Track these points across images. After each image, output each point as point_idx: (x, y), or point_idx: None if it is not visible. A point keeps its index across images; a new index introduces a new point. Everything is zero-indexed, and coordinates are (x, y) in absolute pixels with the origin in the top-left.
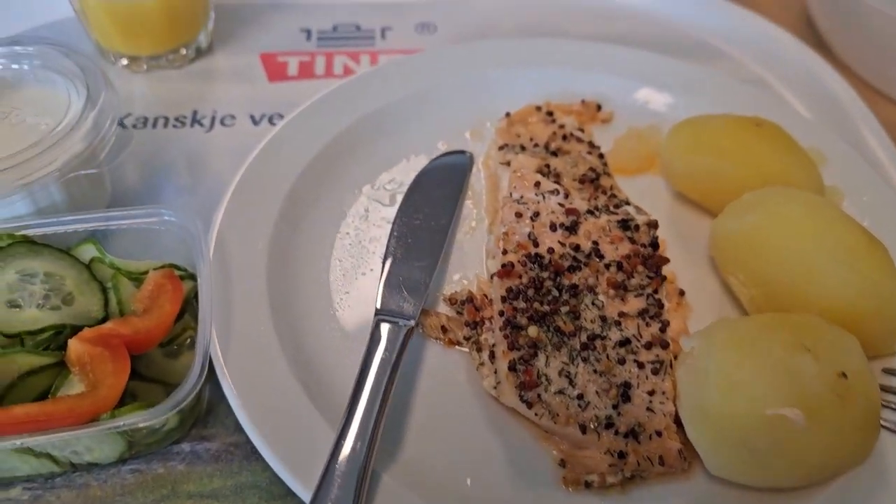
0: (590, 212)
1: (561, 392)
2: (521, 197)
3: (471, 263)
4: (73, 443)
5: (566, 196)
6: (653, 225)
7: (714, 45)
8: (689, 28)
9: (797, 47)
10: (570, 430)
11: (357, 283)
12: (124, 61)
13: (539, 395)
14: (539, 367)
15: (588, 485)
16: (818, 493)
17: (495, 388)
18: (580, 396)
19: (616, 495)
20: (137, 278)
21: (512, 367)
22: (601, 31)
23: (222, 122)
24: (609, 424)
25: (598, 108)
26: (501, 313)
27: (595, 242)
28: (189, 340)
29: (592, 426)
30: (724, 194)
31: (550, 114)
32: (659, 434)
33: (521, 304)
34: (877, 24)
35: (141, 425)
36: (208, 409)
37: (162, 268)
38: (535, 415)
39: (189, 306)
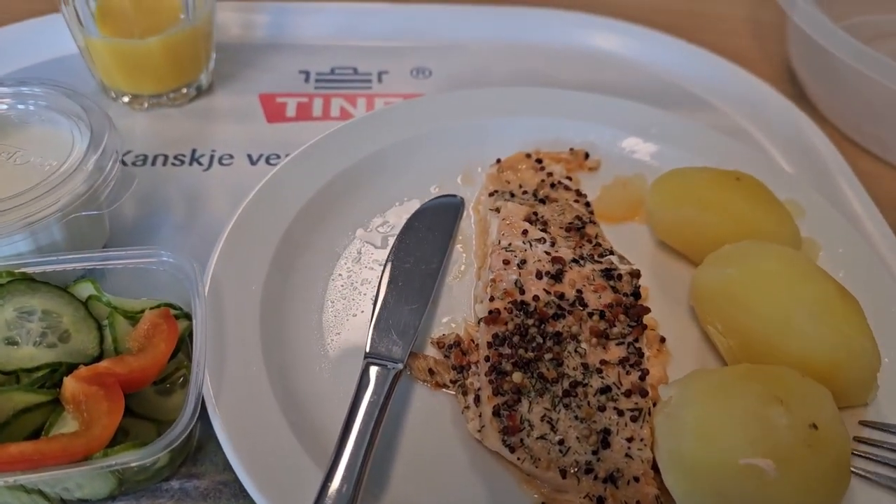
0: (575, 260)
1: (543, 437)
2: (510, 244)
3: (459, 307)
4: (64, 480)
5: (552, 244)
6: (635, 275)
7: (700, 96)
8: (675, 78)
9: (780, 101)
10: (551, 474)
11: (348, 324)
12: (126, 98)
13: (521, 440)
14: (522, 413)
15: None
16: None
17: (479, 431)
18: (561, 442)
19: None
20: (133, 317)
21: (496, 413)
22: (590, 78)
23: (220, 162)
24: (589, 469)
25: (586, 156)
26: (487, 359)
27: (579, 291)
28: (182, 379)
29: (573, 471)
30: (705, 244)
31: (540, 161)
32: (637, 480)
33: (507, 351)
34: (854, 81)
35: (133, 465)
36: (198, 447)
37: (158, 307)
38: (518, 459)
39: (183, 345)
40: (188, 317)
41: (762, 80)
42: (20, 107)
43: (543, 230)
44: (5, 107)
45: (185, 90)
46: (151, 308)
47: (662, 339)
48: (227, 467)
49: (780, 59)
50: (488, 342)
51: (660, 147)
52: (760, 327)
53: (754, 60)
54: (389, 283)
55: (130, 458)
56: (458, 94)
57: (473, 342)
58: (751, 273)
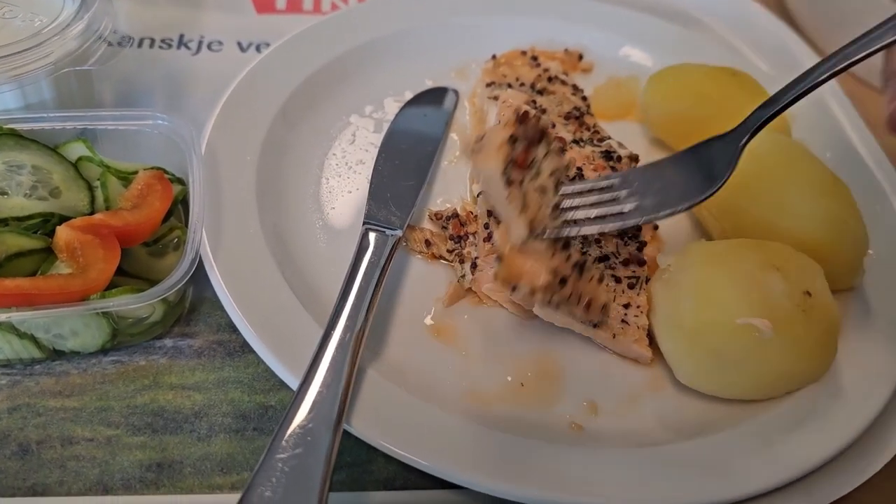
0: (575, 142)
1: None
2: None
3: (455, 189)
4: (59, 324)
5: (552, 126)
6: (634, 158)
7: (692, 14)
8: None
9: (770, 20)
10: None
11: (344, 199)
12: None
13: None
14: None
15: (514, 289)
16: (779, 405)
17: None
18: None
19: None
20: (126, 178)
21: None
22: None
23: (209, 47)
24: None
25: (580, 57)
26: (486, 226)
27: (579, 168)
28: (175, 241)
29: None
30: (700, 137)
31: (535, 58)
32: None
33: None
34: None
35: (131, 307)
36: (191, 309)
37: (151, 169)
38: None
39: (175, 210)
40: (181, 182)
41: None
42: None
43: (543, 114)
44: None
45: None
46: (145, 170)
47: (655, 227)
48: (221, 328)
49: None
50: (487, 211)
51: (653, 52)
52: (754, 208)
53: None
54: (386, 160)
55: (128, 301)
56: None
57: (472, 214)
58: (746, 156)
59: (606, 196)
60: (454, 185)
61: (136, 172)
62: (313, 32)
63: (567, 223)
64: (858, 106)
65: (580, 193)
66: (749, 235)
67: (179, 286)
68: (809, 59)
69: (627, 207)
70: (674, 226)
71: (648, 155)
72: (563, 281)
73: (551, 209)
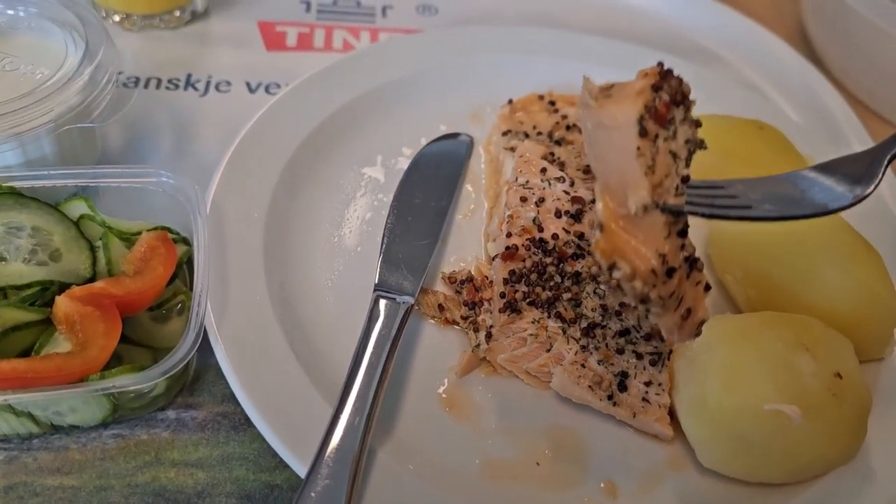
0: (594, 201)
1: None
2: (527, 182)
3: (469, 246)
4: (57, 403)
5: (572, 184)
6: None
7: (712, 49)
8: (687, 30)
9: (793, 58)
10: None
11: (353, 259)
12: (116, 17)
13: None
14: None
15: (612, 268)
16: (806, 489)
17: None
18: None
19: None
20: (128, 238)
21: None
22: (602, 26)
23: (217, 88)
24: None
25: None
26: (503, 295)
27: None
28: (179, 306)
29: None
30: None
31: (553, 103)
32: None
33: (523, 288)
34: (868, 37)
35: (131, 388)
36: (195, 378)
37: (154, 230)
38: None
39: (180, 271)
40: (186, 242)
41: (776, 35)
42: (10, 12)
43: (561, 170)
44: None
45: (178, 13)
46: (148, 231)
47: None
48: (226, 399)
49: (793, 18)
50: (504, 279)
51: None
52: (783, 276)
53: (766, 19)
54: (398, 217)
55: (129, 382)
56: (468, 29)
57: (487, 279)
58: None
59: (730, 191)
60: (469, 241)
61: (139, 233)
62: (323, 77)
63: (692, 204)
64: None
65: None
66: (776, 303)
67: (184, 363)
68: (833, 99)
69: (755, 204)
70: None
71: None
72: (671, 273)
73: (680, 180)
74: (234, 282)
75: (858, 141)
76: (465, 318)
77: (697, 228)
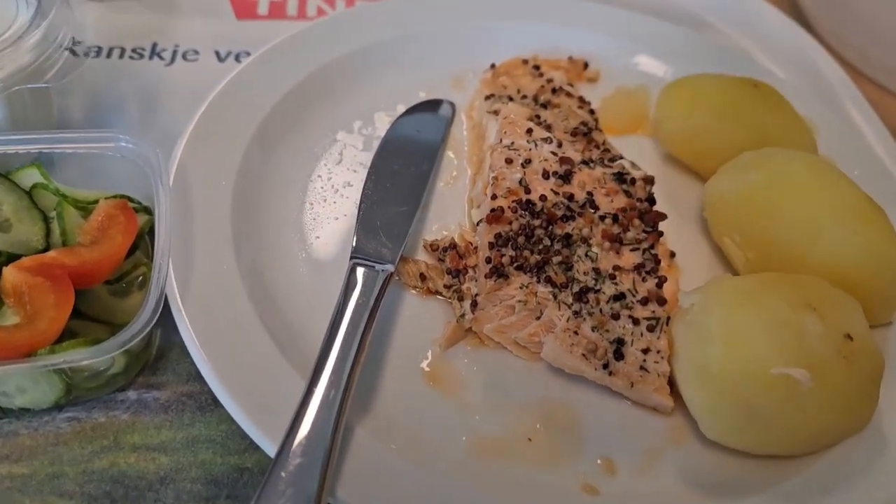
0: (584, 162)
1: None
2: (512, 143)
3: (452, 214)
4: (3, 382)
5: (559, 145)
6: (649, 181)
7: (699, 14)
8: None
9: (784, 22)
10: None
11: (330, 227)
12: None
13: None
14: None
15: None
16: (815, 461)
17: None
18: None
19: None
20: (85, 208)
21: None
22: None
23: (184, 57)
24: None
25: (586, 65)
26: (488, 260)
27: (590, 193)
28: (140, 279)
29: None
30: (719, 155)
31: (538, 67)
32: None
33: (510, 252)
34: (862, 1)
35: (83, 363)
36: (158, 356)
37: (114, 198)
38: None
39: (141, 242)
40: (148, 211)
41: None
42: None
43: (548, 132)
44: None
45: None
46: (106, 199)
47: (672, 254)
48: (192, 378)
49: None
50: (490, 242)
51: (663, 59)
52: (785, 235)
53: None
54: (376, 183)
55: (81, 356)
56: None
57: (471, 245)
58: (776, 177)
59: None
60: (451, 209)
61: (96, 202)
62: (296, 41)
63: None
64: (882, 114)
65: None
66: (778, 265)
67: (141, 336)
68: (825, 63)
69: None
70: (692, 255)
71: (662, 174)
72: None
73: None
74: (199, 252)
75: (853, 104)
76: (448, 287)
77: (692, 190)
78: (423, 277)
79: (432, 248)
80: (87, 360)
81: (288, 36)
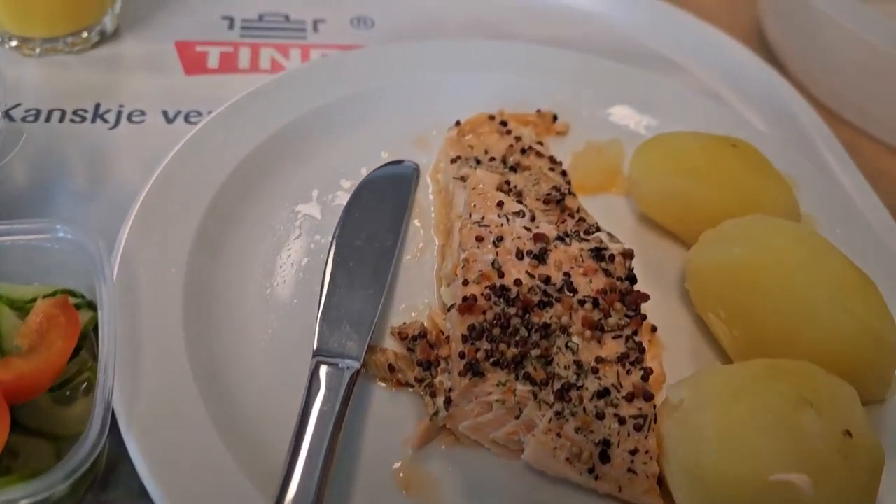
0: (559, 238)
1: None
2: (483, 218)
3: (420, 292)
4: None
5: (532, 219)
6: (628, 255)
7: (667, 55)
8: (641, 36)
9: (753, 61)
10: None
11: (291, 313)
12: (13, 42)
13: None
14: None
15: None
16: None
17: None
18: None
19: None
20: (22, 307)
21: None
22: (552, 35)
23: (129, 119)
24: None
25: (555, 118)
26: (462, 355)
27: (567, 274)
28: (85, 384)
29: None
30: (698, 220)
31: (504, 124)
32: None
33: (485, 346)
34: (833, 40)
35: (23, 503)
36: (107, 468)
37: (53, 294)
38: None
39: (86, 342)
40: (92, 306)
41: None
42: None
43: (519, 202)
44: None
45: (85, 34)
46: (45, 296)
47: (654, 329)
48: (145, 493)
49: (750, 20)
50: (463, 335)
51: (635, 109)
52: (774, 314)
53: (721, 21)
54: (338, 264)
55: (20, 495)
56: (408, 45)
57: (442, 333)
58: (762, 252)
59: None
60: (419, 286)
61: (34, 300)
62: (248, 103)
63: None
64: (856, 156)
65: None
66: (766, 345)
67: (91, 460)
68: (800, 107)
69: None
70: (673, 328)
71: (640, 238)
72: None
73: None
74: (148, 354)
75: (828, 149)
76: (419, 381)
77: (670, 254)
78: (392, 369)
79: (401, 336)
80: (28, 500)
81: (240, 97)
